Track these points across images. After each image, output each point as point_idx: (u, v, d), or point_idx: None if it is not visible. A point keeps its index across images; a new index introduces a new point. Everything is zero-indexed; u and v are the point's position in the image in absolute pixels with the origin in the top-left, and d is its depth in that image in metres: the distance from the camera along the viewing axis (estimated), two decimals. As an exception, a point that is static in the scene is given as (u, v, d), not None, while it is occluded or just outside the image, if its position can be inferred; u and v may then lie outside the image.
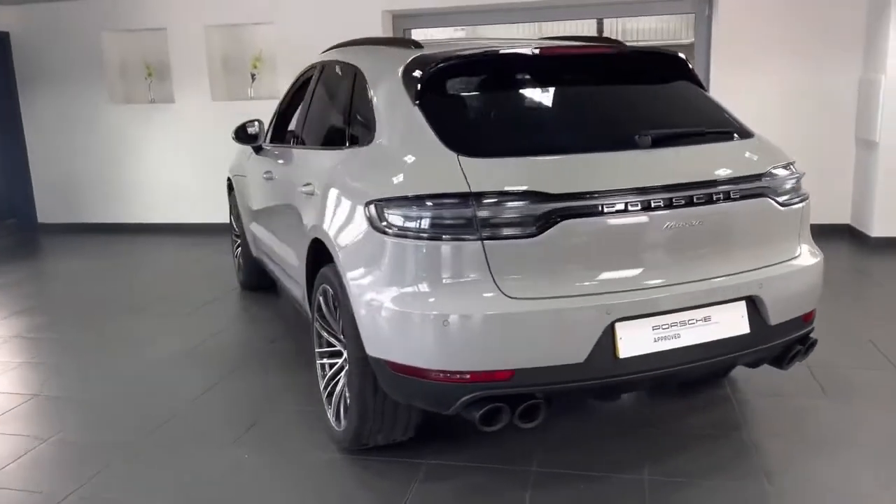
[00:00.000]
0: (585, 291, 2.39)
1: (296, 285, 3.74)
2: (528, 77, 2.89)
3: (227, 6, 7.56)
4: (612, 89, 2.95)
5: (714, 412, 3.26)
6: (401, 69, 2.91)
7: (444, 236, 2.37)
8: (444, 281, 2.39)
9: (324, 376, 3.21)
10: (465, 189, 2.36)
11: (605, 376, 2.42)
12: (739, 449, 2.93)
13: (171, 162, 8.06)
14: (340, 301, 2.78)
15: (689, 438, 3.03)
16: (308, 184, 3.24)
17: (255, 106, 7.77)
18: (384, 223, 2.48)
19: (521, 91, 2.87)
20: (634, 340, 2.41)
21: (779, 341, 2.70)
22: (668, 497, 2.61)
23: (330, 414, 3.09)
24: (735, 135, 2.84)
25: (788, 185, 2.76)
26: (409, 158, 2.63)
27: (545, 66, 2.91)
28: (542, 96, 2.88)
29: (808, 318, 2.80)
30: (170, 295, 5.58)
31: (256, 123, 4.59)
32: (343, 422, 2.93)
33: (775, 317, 2.64)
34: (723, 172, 2.61)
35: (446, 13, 7.38)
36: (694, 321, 2.49)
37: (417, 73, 2.81)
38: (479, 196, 2.34)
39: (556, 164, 2.52)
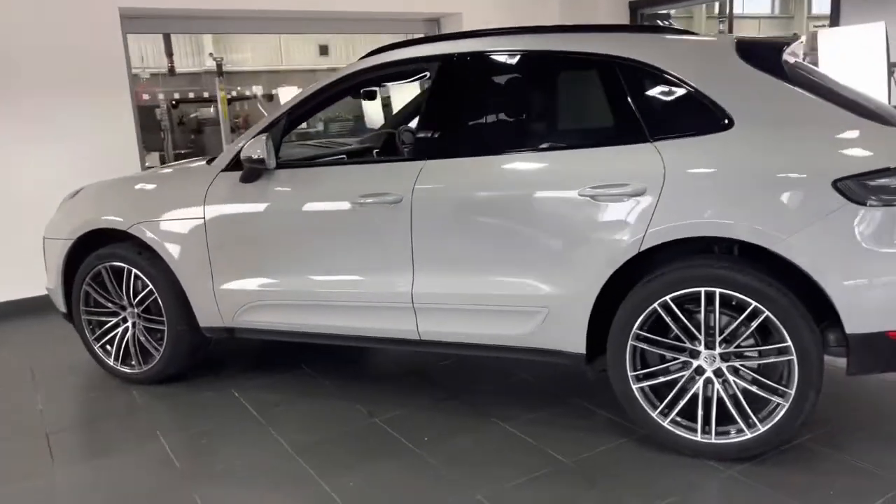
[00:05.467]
0: None
1: (503, 322, 3.16)
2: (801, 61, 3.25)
3: None
4: None
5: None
6: (734, 55, 2.93)
7: None
8: None
9: (650, 402, 2.98)
10: None
11: None
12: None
13: None
14: (769, 295, 2.69)
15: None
16: (619, 185, 2.84)
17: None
18: (876, 196, 2.58)
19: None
20: None
21: None
22: None
23: (709, 433, 2.89)
24: None
25: None
26: (852, 134, 2.72)
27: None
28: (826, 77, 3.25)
29: None
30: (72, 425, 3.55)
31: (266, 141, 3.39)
32: (759, 426, 2.81)
33: None
34: None
35: (187, 17, 6.13)
36: None
37: (775, 56, 2.90)
38: None
39: None
